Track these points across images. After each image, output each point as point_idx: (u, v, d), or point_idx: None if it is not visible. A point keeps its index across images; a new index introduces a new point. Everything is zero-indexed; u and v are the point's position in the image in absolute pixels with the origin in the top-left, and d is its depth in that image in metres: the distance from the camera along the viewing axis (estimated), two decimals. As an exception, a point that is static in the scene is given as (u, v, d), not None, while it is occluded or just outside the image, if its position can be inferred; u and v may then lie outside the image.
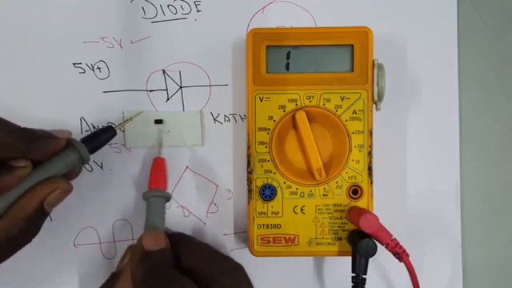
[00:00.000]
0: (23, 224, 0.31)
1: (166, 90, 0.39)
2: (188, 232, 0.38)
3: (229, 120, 0.39)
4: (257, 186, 0.36)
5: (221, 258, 0.32)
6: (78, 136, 0.38)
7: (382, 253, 0.34)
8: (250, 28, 0.39)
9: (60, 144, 0.32)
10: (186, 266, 0.31)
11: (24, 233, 0.31)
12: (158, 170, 0.36)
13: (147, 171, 0.38)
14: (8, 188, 0.30)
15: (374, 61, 0.36)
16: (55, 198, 0.32)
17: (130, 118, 0.37)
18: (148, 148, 0.38)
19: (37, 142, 0.31)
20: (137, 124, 0.37)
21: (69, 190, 0.33)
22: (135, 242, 0.38)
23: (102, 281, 0.38)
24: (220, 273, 0.30)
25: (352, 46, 0.36)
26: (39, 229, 0.32)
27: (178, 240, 0.33)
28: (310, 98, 0.36)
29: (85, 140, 0.34)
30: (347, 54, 0.36)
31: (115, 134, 0.35)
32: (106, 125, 0.36)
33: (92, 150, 0.34)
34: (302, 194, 0.36)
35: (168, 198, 0.36)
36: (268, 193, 0.36)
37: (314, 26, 0.39)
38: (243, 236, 0.39)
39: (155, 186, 0.36)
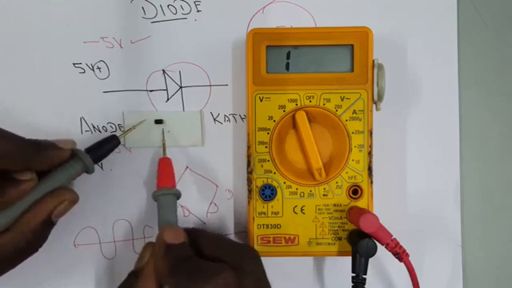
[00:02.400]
0: (31, 236, 0.31)
1: (166, 90, 0.39)
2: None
3: (229, 120, 0.39)
4: (257, 186, 0.36)
5: (242, 247, 0.33)
6: (77, 136, 0.38)
7: (382, 253, 0.34)
8: (250, 28, 0.39)
9: (65, 155, 0.32)
10: (209, 257, 0.32)
11: (31, 244, 0.31)
12: (164, 169, 0.36)
13: (147, 171, 0.38)
14: (14, 201, 0.30)
15: (374, 61, 0.36)
16: (62, 209, 0.32)
17: (134, 127, 0.37)
18: (148, 148, 0.38)
19: (42, 153, 0.31)
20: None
21: (75, 201, 0.33)
22: (135, 242, 0.38)
23: (102, 281, 0.38)
24: (245, 261, 0.31)
25: (352, 46, 0.36)
26: (46, 239, 0.33)
27: (194, 234, 0.33)
28: (310, 98, 0.36)
29: (89, 150, 0.34)
30: (347, 54, 0.36)
31: (119, 143, 0.35)
32: (109, 134, 0.36)
33: (96, 160, 0.34)
34: (302, 194, 0.36)
35: (178, 195, 0.36)
36: (268, 193, 0.36)
37: (314, 26, 0.39)
38: (243, 236, 0.39)
39: (164, 184, 0.36)
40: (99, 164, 0.38)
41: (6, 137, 0.30)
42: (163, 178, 0.36)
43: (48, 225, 0.32)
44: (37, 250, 0.32)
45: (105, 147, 0.35)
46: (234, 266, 0.30)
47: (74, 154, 0.33)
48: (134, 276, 0.32)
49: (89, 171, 0.34)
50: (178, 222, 0.35)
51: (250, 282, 0.30)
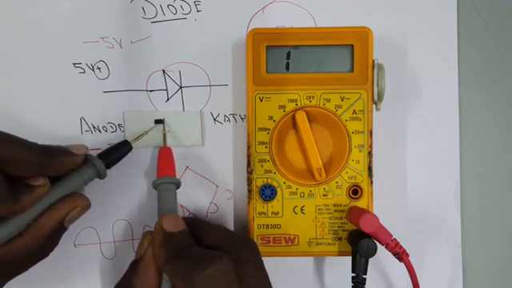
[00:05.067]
0: (43, 241, 0.31)
1: (166, 90, 0.39)
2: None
3: (229, 120, 0.39)
4: (257, 186, 0.36)
5: (241, 237, 0.33)
6: (77, 136, 0.38)
7: (382, 253, 0.34)
8: (250, 28, 0.39)
9: (78, 160, 0.32)
10: (208, 246, 0.32)
11: (43, 249, 0.32)
12: (165, 158, 0.37)
13: (147, 171, 0.38)
14: (27, 207, 0.30)
15: (374, 61, 0.36)
16: (75, 215, 0.32)
17: (146, 132, 0.37)
18: (148, 148, 0.38)
19: (56, 159, 0.31)
20: (137, 124, 0.37)
21: (88, 206, 0.33)
22: (136, 241, 0.38)
23: (102, 281, 0.38)
24: (244, 250, 0.31)
25: (352, 46, 0.36)
26: (57, 244, 0.33)
27: (194, 223, 0.34)
28: (310, 98, 0.36)
29: (101, 155, 0.34)
30: (347, 54, 0.36)
31: (131, 148, 0.36)
32: (121, 140, 0.36)
33: (108, 166, 0.34)
34: (302, 194, 0.36)
35: (178, 185, 0.36)
36: (268, 193, 0.36)
37: (314, 26, 0.39)
38: (243, 236, 0.39)
39: (164, 173, 0.36)
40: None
41: (20, 143, 0.30)
42: (163, 167, 0.36)
43: (60, 230, 0.32)
44: (48, 255, 0.32)
45: (117, 152, 0.35)
46: (233, 255, 0.30)
47: (86, 159, 0.33)
48: (135, 265, 0.32)
49: (101, 177, 0.34)
50: (177, 210, 0.35)
51: (248, 270, 0.30)
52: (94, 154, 0.34)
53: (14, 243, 0.30)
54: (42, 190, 0.30)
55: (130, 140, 0.36)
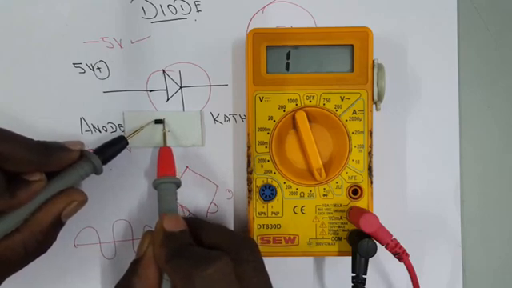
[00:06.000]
0: (41, 237, 0.31)
1: (166, 90, 0.39)
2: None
3: (229, 120, 0.39)
4: (257, 186, 0.36)
5: (241, 236, 0.33)
6: (77, 136, 0.38)
7: (382, 253, 0.34)
8: (250, 28, 0.39)
9: (74, 156, 0.32)
10: (208, 246, 0.32)
11: (41, 244, 0.31)
12: (165, 158, 0.37)
13: (147, 171, 0.38)
14: (24, 202, 0.30)
15: (374, 61, 0.36)
16: (72, 209, 0.32)
17: (141, 128, 0.37)
18: (148, 148, 0.38)
19: (52, 155, 0.31)
20: (136, 124, 0.37)
21: (84, 201, 0.33)
22: (136, 241, 0.38)
23: (102, 281, 0.38)
24: (243, 250, 0.31)
25: (352, 46, 0.36)
26: (55, 239, 0.33)
27: (194, 223, 0.34)
28: (310, 98, 0.36)
29: (98, 151, 0.34)
30: (347, 54, 0.36)
31: (127, 143, 0.36)
32: (116, 135, 0.36)
33: (105, 161, 0.34)
34: (301, 194, 0.36)
35: (178, 184, 0.36)
36: (268, 193, 0.36)
37: (314, 26, 0.39)
38: (243, 236, 0.39)
39: (164, 172, 0.36)
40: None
41: (17, 139, 0.30)
42: (164, 167, 0.36)
43: (57, 225, 0.32)
44: (46, 251, 0.32)
45: (113, 148, 0.35)
46: (233, 254, 0.30)
47: (83, 155, 0.33)
48: (135, 265, 0.32)
49: (98, 172, 0.34)
50: (177, 210, 0.36)
51: (249, 270, 0.30)
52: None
53: (12, 239, 0.30)
54: (39, 185, 0.31)
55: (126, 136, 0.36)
